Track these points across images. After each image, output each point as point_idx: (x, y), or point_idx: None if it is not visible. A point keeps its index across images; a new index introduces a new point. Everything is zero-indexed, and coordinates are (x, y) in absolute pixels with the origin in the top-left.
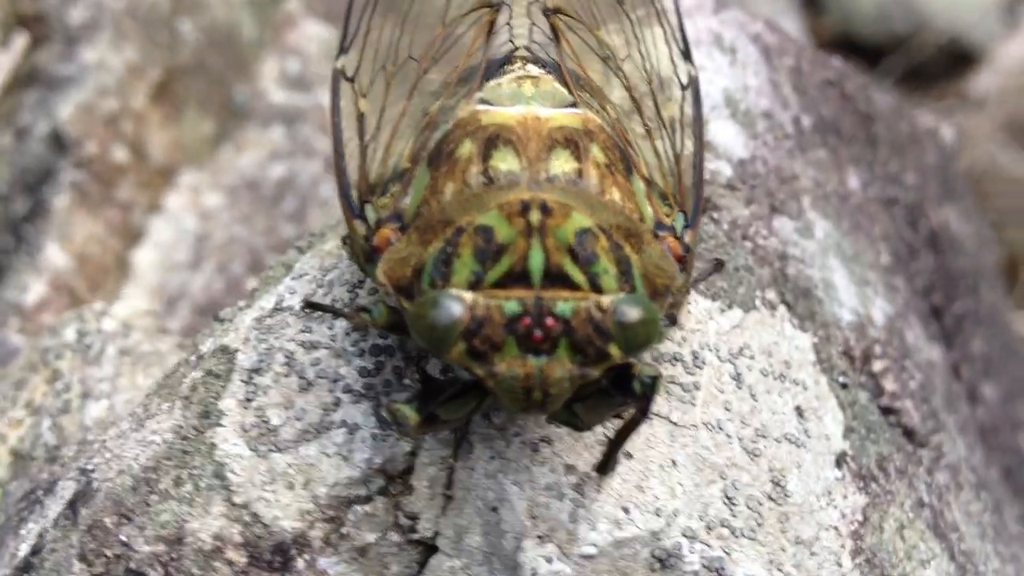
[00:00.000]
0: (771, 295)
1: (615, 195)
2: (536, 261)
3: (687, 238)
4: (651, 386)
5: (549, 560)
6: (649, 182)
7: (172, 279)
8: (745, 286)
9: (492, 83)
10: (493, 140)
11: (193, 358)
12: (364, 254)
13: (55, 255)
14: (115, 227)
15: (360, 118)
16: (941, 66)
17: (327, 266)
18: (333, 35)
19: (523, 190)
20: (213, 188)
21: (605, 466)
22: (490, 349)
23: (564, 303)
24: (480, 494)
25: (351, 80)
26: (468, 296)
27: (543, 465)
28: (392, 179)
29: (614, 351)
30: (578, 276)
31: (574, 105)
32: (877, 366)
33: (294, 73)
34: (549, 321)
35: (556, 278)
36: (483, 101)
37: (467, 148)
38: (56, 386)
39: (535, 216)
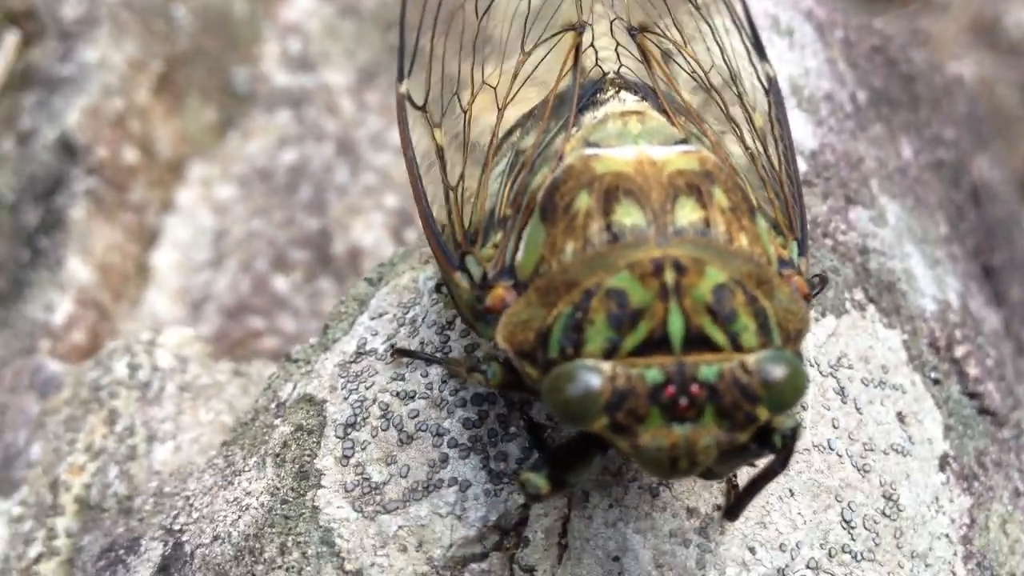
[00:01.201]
0: (858, 295)
1: (743, 241)
2: (676, 325)
3: (802, 267)
4: (791, 437)
5: None
6: (760, 211)
7: (195, 281)
8: (834, 289)
9: (590, 118)
10: (613, 192)
11: (273, 406)
12: (472, 311)
13: (78, 269)
14: (132, 231)
15: (439, 153)
16: None
17: (406, 302)
18: (330, 11)
19: (652, 247)
20: (224, 179)
21: (736, 512)
22: (634, 422)
23: (708, 368)
24: (600, 544)
25: (422, 109)
26: (607, 367)
27: (664, 511)
28: (491, 226)
29: (762, 413)
30: (719, 337)
31: (685, 141)
32: (959, 351)
33: (296, 53)
34: (695, 388)
35: (697, 341)
36: (589, 143)
37: (584, 201)
38: (116, 428)
39: (670, 276)
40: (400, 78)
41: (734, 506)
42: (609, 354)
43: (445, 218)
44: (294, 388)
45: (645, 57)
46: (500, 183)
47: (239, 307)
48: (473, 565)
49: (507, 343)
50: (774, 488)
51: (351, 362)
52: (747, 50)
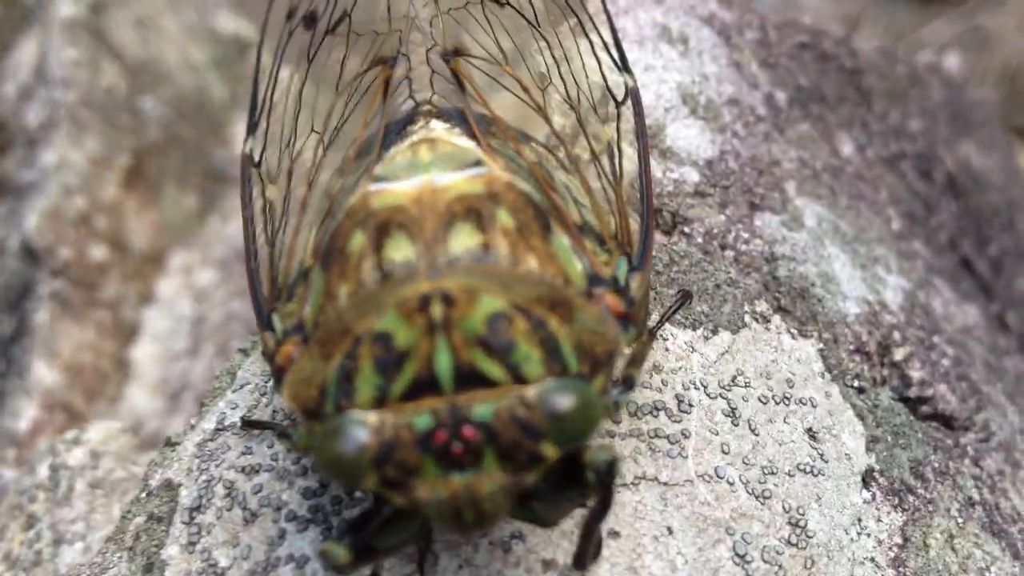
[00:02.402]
0: (762, 307)
1: (531, 263)
2: (443, 363)
3: (633, 285)
4: (607, 472)
5: None
6: (582, 227)
7: (173, 370)
8: (731, 303)
9: (388, 154)
10: (385, 227)
11: (143, 495)
12: (272, 372)
13: (43, 373)
14: (105, 328)
15: (267, 209)
16: None
17: (268, 371)
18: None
19: (421, 281)
20: (204, 265)
21: (582, 559)
22: (406, 475)
23: (482, 405)
24: None
25: (258, 167)
26: (373, 418)
27: (518, 567)
28: (297, 280)
29: (548, 450)
30: (495, 371)
31: (478, 163)
32: (899, 354)
33: None
34: (467, 431)
35: (470, 378)
36: (377, 179)
37: (358, 241)
38: (30, 535)
39: (437, 310)
40: (246, 138)
41: (578, 552)
42: (379, 403)
43: (264, 275)
44: (160, 474)
45: (459, 81)
46: (308, 232)
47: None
48: None
49: (292, 401)
50: (647, 527)
51: (208, 440)
52: (599, 61)
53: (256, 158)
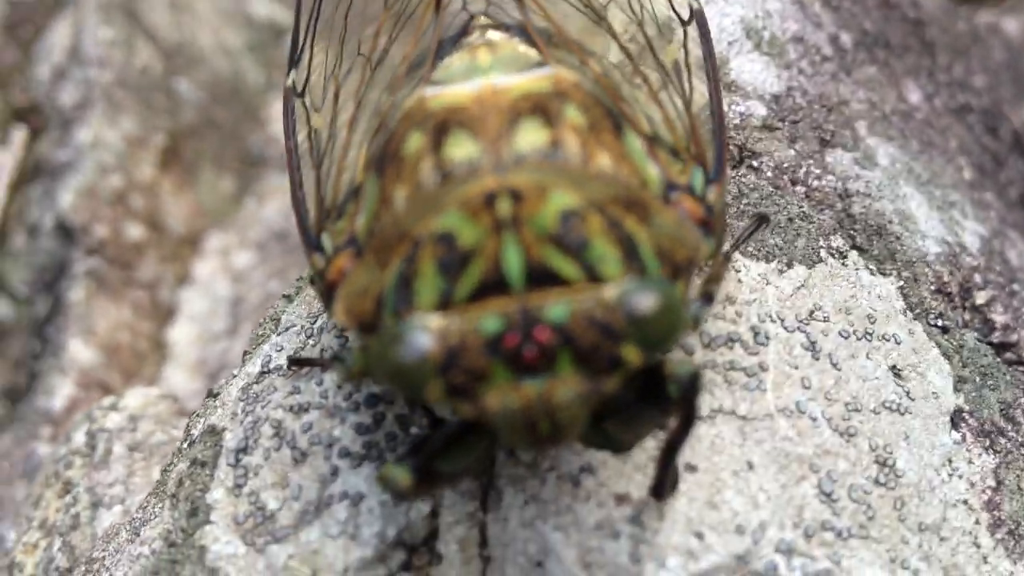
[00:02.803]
0: (838, 242)
1: (604, 161)
2: (513, 261)
3: (711, 196)
4: (690, 385)
5: None
6: (654, 139)
7: (212, 351)
8: (804, 237)
9: (443, 62)
10: (444, 126)
11: (185, 445)
12: (322, 293)
13: (79, 351)
14: (142, 308)
15: (312, 136)
16: None
17: (315, 312)
18: None
19: (486, 177)
20: (242, 246)
21: (660, 488)
22: (474, 381)
23: (556, 306)
24: (520, 547)
25: (301, 95)
26: (436, 322)
27: (588, 501)
28: (348, 198)
29: (630, 354)
30: (569, 269)
31: (542, 65)
32: (981, 297)
33: None
34: (540, 333)
35: (542, 277)
36: (434, 84)
37: (415, 142)
38: (66, 500)
39: (504, 207)
40: (288, 70)
41: (656, 481)
42: (443, 307)
43: (311, 200)
44: (203, 422)
45: None
46: (357, 150)
47: None
48: None
49: (346, 317)
50: (726, 461)
51: (254, 383)
52: None
53: (300, 88)
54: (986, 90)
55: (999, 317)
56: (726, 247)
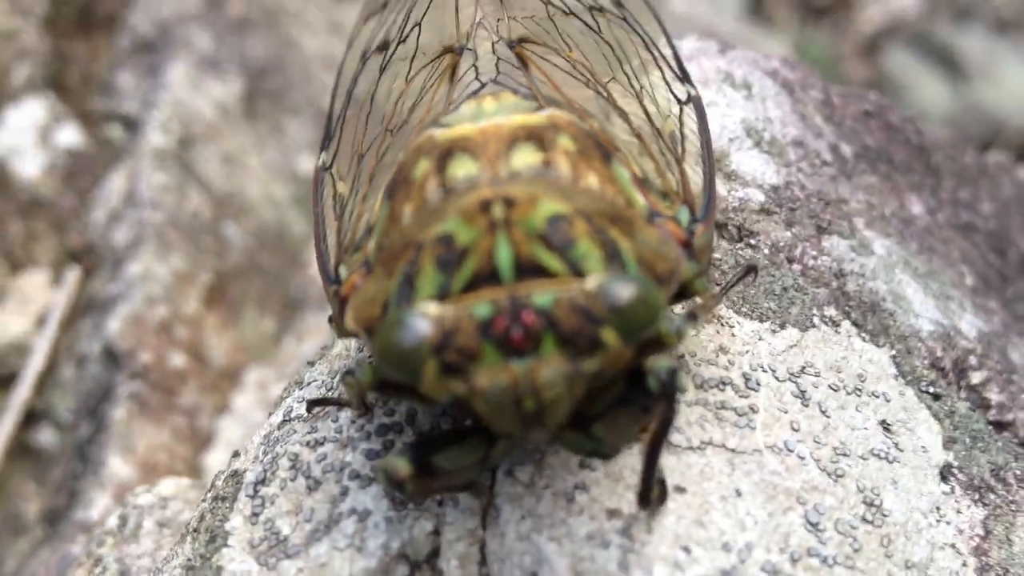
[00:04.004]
0: (831, 312)
1: (592, 181)
2: (504, 255)
3: (696, 232)
4: (669, 379)
5: None
6: (644, 181)
7: None
8: (799, 305)
9: (454, 112)
10: (449, 152)
11: (209, 495)
12: (337, 311)
13: (118, 467)
14: (181, 433)
15: (337, 197)
16: None
17: (336, 369)
18: None
19: (483, 189)
20: (279, 380)
21: (646, 492)
22: (466, 361)
23: (542, 294)
24: (516, 560)
25: (329, 169)
26: (433, 308)
27: (581, 514)
28: (364, 236)
29: (608, 336)
30: (555, 264)
31: (541, 109)
32: (976, 377)
33: None
34: (527, 316)
35: (531, 270)
36: (442, 125)
37: (423, 167)
38: (95, 571)
39: (498, 210)
40: (320, 152)
41: (642, 483)
42: (440, 298)
43: (332, 245)
44: (227, 471)
45: (524, 63)
46: (376, 196)
47: None
48: None
49: (356, 323)
50: (714, 488)
51: (275, 431)
52: (661, 71)
53: (328, 164)
54: (993, 216)
55: (994, 396)
56: (716, 291)
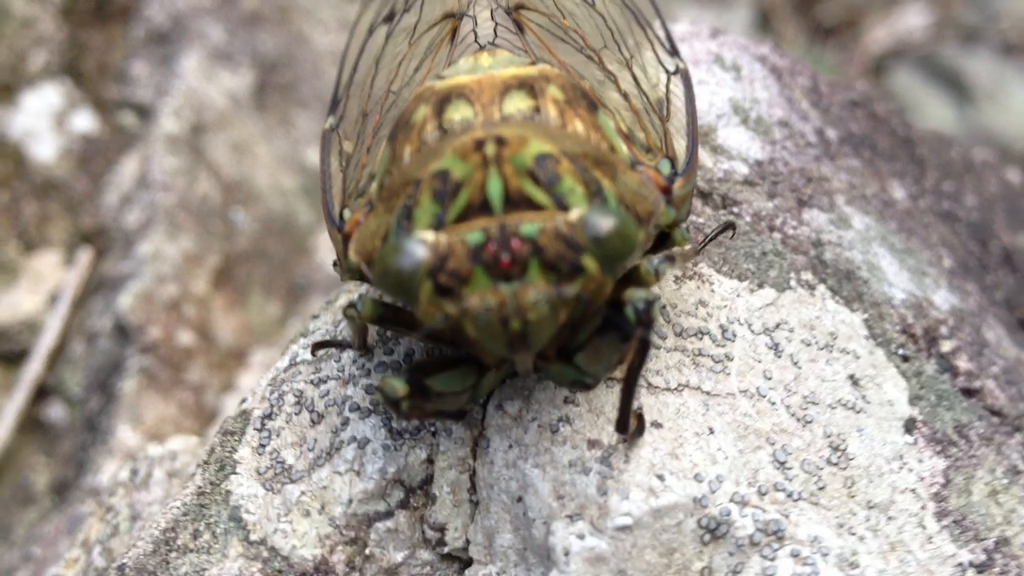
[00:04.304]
0: (807, 276)
1: (578, 126)
2: (495, 188)
3: (676, 185)
4: (645, 309)
5: (581, 536)
6: (628, 136)
7: None
8: (777, 269)
9: (452, 66)
10: (447, 97)
11: (219, 431)
12: (340, 248)
13: (126, 435)
14: (188, 408)
15: (342, 154)
16: None
17: (339, 319)
18: None
19: (477, 131)
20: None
21: (624, 419)
22: (458, 283)
23: (529, 224)
24: (503, 486)
25: (336, 130)
26: (430, 236)
27: (564, 444)
28: (368, 181)
29: (588, 263)
30: (542, 197)
31: (533, 64)
32: (946, 346)
33: None
34: (515, 243)
35: (519, 202)
36: (441, 77)
37: (422, 112)
38: (107, 517)
39: (490, 148)
40: (328, 116)
41: (620, 409)
42: (436, 228)
43: (336, 193)
44: (237, 410)
45: (520, 28)
46: (378, 148)
47: None
48: (379, 524)
49: (357, 255)
50: (689, 425)
51: (281, 374)
52: (652, 46)
53: (335, 126)
54: (977, 209)
55: (963, 364)
56: (693, 246)
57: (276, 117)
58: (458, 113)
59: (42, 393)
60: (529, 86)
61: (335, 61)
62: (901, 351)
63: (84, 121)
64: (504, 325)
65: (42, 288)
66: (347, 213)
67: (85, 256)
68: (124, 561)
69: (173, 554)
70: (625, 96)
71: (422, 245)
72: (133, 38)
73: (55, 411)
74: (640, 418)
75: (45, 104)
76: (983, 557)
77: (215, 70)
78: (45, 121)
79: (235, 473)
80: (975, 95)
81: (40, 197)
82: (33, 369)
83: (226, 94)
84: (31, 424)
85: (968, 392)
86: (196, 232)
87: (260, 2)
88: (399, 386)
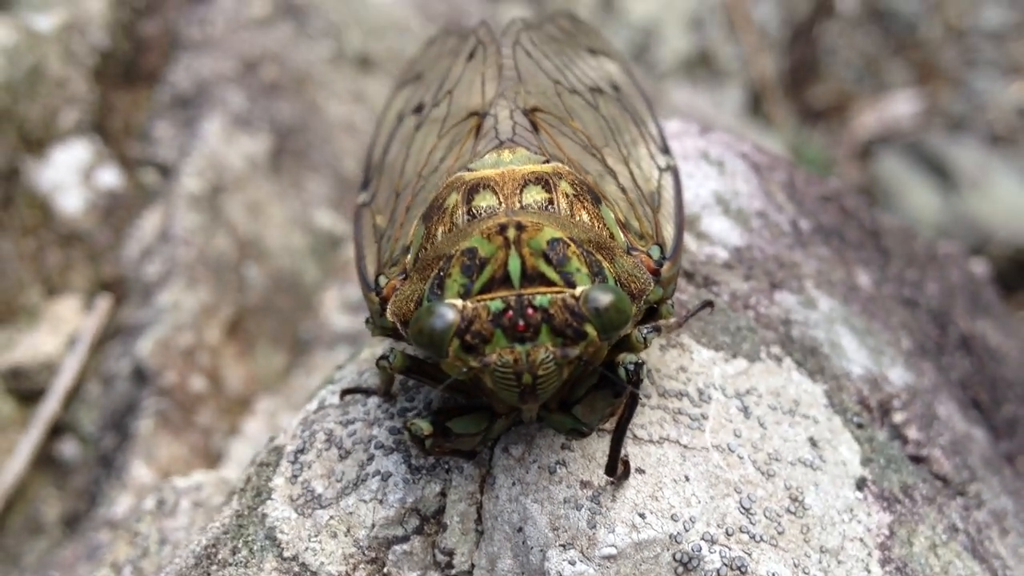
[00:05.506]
0: (776, 350)
1: (584, 216)
2: (515, 266)
3: (664, 267)
4: (635, 370)
5: (572, 563)
6: (625, 224)
7: None
8: (749, 342)
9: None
10: (475, 187)
11: (255, 463)
12: (377, 314)
13: (140, 472)
14: (198, 450)
15: (376, 228)
16: (1014, 276)
17: (363, 369)
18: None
19: (501, 217)
20: (287, 408)
21: (613, 463)
22: (481, 342)
23: (542, 296)
24: (506, 518)
25: (368, 205)
26: (459, 302)
27: (560, 483)
28: (402, 252)
29: (590, 330)
30: (553, 275)
31: (548, 162)
32: (898, 417)
33: (353, 300)
34: (530, 312)
35: (534, 278)
36: (469, 169)
37: (453, 198)
38: (136, 540)
39: (512, 232)
40: (360, 193)
41: (610, 455)
42: (463, 296)
43: (371, 262)
44: (269, 446)
45: (535, 127)
46: (411, 226)
47: None
48: (396, 547)
49: (394, 316)
50: (668, 472)
51: (311, 415)
52: (647, 144)
53: (367, 202)
54: (937, 297)
55: (913, 434)
56: (680, 316)
57: (289, 180)
58: (484, 201)
59: (57, 430)
60: (544, 181)
61: (346, 130)
62: (856, 419)
63: (109, 177)
64: (518, 379)
65: (62, 331)
66: (382, 280)
67: (104, 303)
68: (167, 571)
69: (214, 567)
70: (623, 190)
71: (452, 309)
72: (158, 101)
73: (69, 448)
74: (626, 464)
75: (74, 159)
76: None
77: (235, 134)
78: (73, 175)
79: (270, 499)
80: (960, 183)
81: (64, 246)
82: (49, 407)
83: (244, 157)
84: (44, 460)
85: (916, 459)
86: (212, 285)
87: (279, 73)
88: (424, 426)
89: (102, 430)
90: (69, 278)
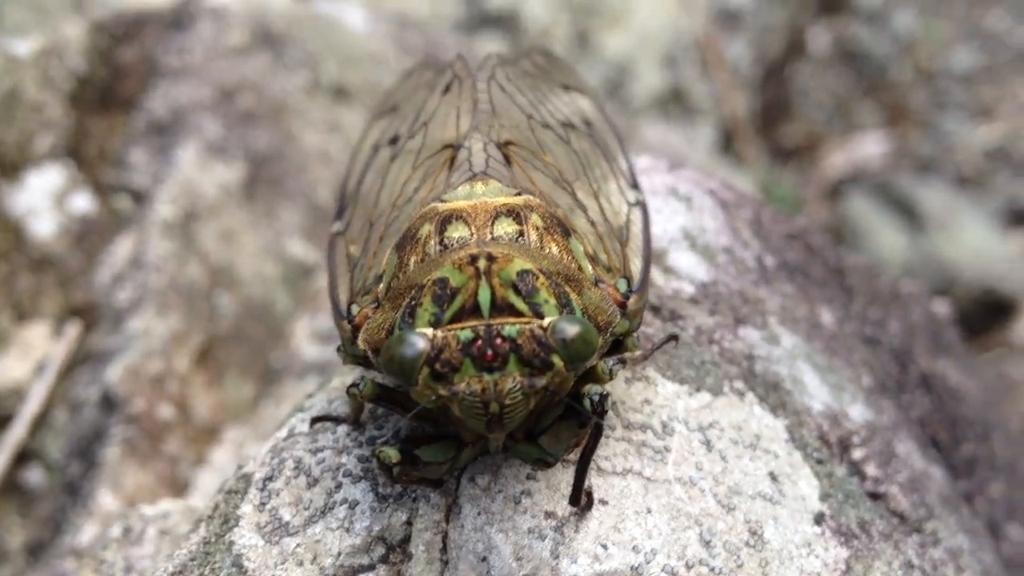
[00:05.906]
0: (739, 384)
1: (553, 249)
2: (485, 296)
3: (630, 300)
4: (600, 401)
5: None
6: (593, 257)
7: None
8: (713, 376)
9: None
10: (448, 218)
11: (223, 491)
12: (349, 342)
13: (106, 500)
14: (164, 479)
15: (349, 256)
16: (980, 318)
17: (333, 397)
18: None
19: (472, 248)
20: (255, 438)
21: (577, 494)
22: (450, 371)
23: (511, 327)
24: (471, 547)
25: (342, 235)
26: (429, 331)
27: (525, 513)
28: (375, 281)
29: (557, 361)
30: (522, 306)
31: (520, 195)
32: (857, 453)
33: (324, 330)
34: (498, 341)
35: (503, 309)
36: (442, 201)
37: (426, 229)
38: (102, 568)
39: (482, 263)
40: (334, 221)
41: (574, 485)
42: (434, 325)
43: (344, 291)
44: (237, 475)
45: (508, 160)
46: (384, 255)
47: None
48: (361, 575)
49: (365, 344)
50: (631, 504)
51: (281, 443)
52: (617, 180)
53: (341, 231)
54: (899, 335)
55: (872, 471)
56: (645, 348)
57: (263, 208)
58: (456, 232)
59: (23, 457)
60: (516, 213)
61: (320, 159)
62: (816, 455)
63: (83, 202)
64: (485, 407)
65: (31, 357)
66: (355, 308)
67: (73, 329)
68: None
69: None
70: (592, 223)
71: (423, 338)
72: (134, 127)
73: (35, 475)
74: (590, 495)
75: (48, 184)
76: None
77: (210, 162)
78: (46, 200)
79: (238, 526)
80: (927, 224)
81: (35, 271)
82: (16, 433)
83: (218, 185)
84: (9, 487)
85: (874, 495)
86: (183, 312)
87: (256, 102)
88: (392, 454)
89: (68, 457)
90: (40, 303)
